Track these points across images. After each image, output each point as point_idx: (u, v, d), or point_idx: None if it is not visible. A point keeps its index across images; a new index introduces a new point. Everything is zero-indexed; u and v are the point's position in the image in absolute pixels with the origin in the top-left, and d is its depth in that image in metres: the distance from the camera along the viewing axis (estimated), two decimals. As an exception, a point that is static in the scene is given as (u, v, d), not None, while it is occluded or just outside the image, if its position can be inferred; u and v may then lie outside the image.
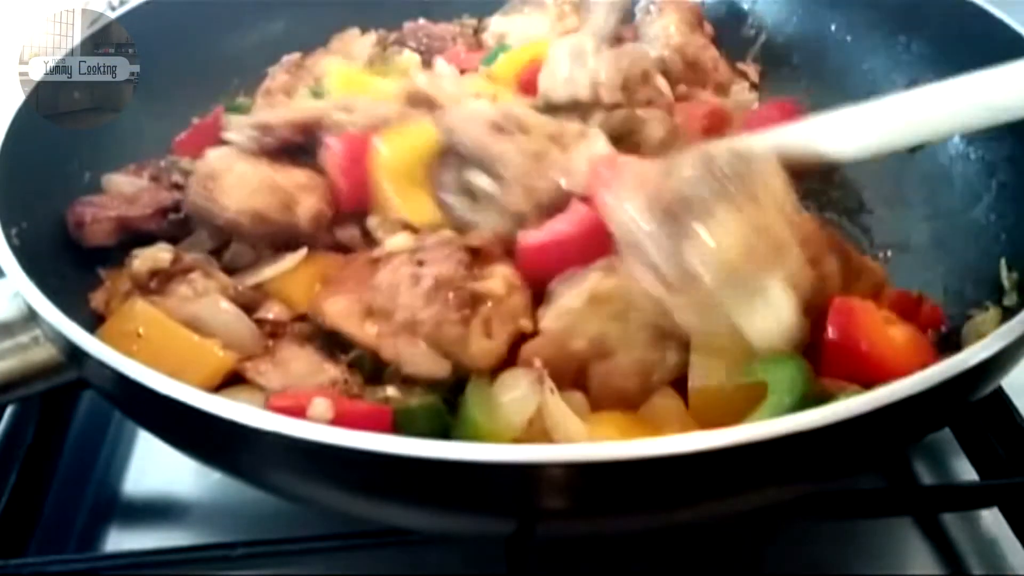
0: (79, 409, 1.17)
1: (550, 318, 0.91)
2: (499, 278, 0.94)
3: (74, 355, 0.84)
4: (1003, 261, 1.05)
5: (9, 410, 1.09)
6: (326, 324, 0.95)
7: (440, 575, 0.96)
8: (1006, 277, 1.03)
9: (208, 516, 1.07)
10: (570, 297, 0.91)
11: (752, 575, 1.01)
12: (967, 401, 0.87)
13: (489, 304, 0.92)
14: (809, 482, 0.85)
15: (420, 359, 0.91)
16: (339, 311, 0.95)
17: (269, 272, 1.03)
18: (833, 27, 1.39)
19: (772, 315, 0.81)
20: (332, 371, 0.93)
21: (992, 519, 1.03)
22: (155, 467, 1.13)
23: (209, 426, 0.73)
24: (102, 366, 0.79)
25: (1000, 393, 1.04)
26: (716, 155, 0.85)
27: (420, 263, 0.93)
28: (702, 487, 0.75)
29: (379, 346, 0.92)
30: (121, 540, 1.05)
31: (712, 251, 0.81)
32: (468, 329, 0.91)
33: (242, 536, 0.93)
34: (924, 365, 0.75)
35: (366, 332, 0.93)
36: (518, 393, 0.87)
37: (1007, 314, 0.98)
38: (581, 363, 0.90)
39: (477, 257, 0.96)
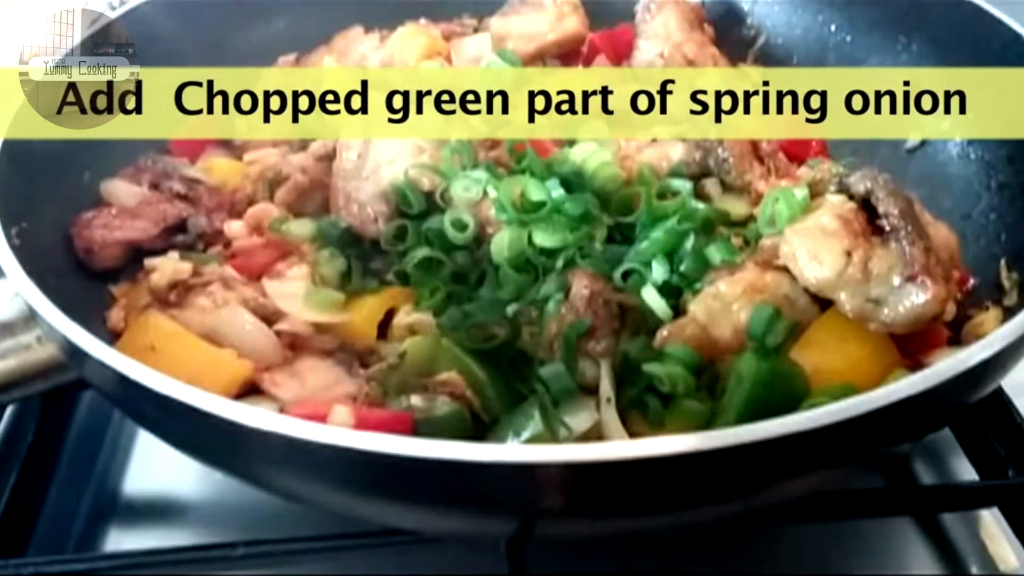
0: (79, 409, 1.17)
1: (698, 301, 0.94)
2: None
3: (74, 355, 0.84)
4: (1003, 261, 1.05)
5: (9, 410, 1.09)
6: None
7: (440, 575, 0.96)
8: (1006, 277, 1.04)
9: (208, 516, 1.07)
10: (726, 283, 0.94)
11: (753, 575, 1.01)
12: (967, 401, 0.87)
13: (637, 316, 0.96)
14: (809, 482, 0.85)
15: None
16: None
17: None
18: (833, 27, 1.39)
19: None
20: (350, 385, 0.94)
21: (992, 519, 1.03)
22: (155, 467, 1.12)
23: (209, 426, 0.73)
24: (102, 366, 0.79)
25: (1000, 393, 1.04)
26: None
27: (570, 277, 0.97)
28: (702, 487, 0.75)
29: (535, 351, 0.95)
30: (121, 540, 1.05)
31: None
32: (618, 339, 0.94)
33: (242, 536, 0.93)
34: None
35: (523, 337, 0.96)
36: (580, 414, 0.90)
37: (1007, 314, 0.98)
38: (719, 353, 0.92)
39: None
